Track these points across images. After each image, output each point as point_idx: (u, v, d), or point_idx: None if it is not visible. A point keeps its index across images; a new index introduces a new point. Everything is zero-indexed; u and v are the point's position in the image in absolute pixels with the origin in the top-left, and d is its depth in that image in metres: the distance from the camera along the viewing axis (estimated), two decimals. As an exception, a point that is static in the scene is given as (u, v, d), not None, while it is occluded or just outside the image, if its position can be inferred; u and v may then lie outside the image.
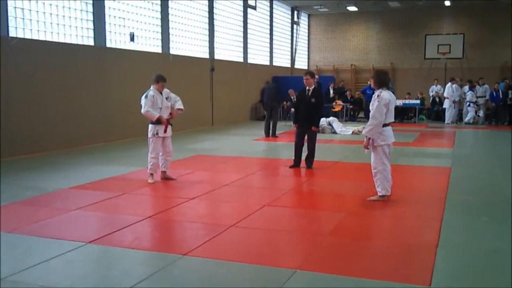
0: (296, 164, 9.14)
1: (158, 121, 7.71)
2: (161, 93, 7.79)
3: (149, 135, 7.83)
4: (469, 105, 18.92)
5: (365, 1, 22.84)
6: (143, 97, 7.74)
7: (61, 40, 11.50)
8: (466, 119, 18.82)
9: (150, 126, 7.80)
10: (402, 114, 19.96)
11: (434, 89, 21.09)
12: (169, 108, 7.91)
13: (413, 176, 8.62)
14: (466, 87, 19.25)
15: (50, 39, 11.22)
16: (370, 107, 6.51)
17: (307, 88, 8.98)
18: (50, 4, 11.18)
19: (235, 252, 4.67)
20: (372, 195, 6.70)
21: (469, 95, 18.77)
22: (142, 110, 7.74)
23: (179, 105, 7.98)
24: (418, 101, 20.24)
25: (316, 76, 21.01)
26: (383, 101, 6.33)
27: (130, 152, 11.19)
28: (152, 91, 7.73)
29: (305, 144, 9.14)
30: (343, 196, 7.04)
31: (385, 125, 6.45)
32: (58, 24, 11.42)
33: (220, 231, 5.26)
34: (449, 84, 19.20)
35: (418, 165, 9.57)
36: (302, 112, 8.99)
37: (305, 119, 8.96)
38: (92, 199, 6.65)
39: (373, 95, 6.52)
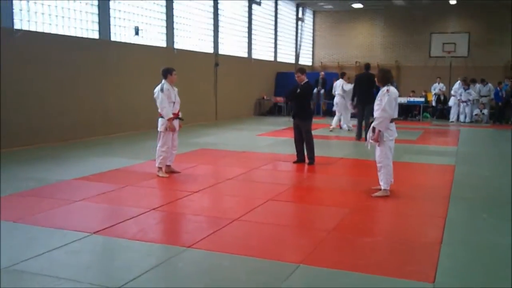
0: (300, 159, 9.14)
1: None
2: (173, 87, 7.79)
3: (161, 129, 7.73)
4: (466, 104, 18.88)
5: (370, -2, 22.78)
6: (158, 89, 7.65)
7: (66, 32, 11.50)
8: (466, 119, 18.78)
9: (162, 120, 7.70)
10: (407, 112, 19.96)
11: (436, 87, 21.05)
12: (179, 104, 7.91)
13: (417, 173, 8.60)
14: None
15: (55, 32, 11.22)
16: (377, 102, 6.55)
17: (298, 84, 9.02)
18: (56, -4, 11.19)
19: (238, 246, 4.67)
20: (375, 191, 6.70)
21: (465, 94, 18.73)
22: (159, 104, 7.63)
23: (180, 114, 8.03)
24: (422, 99, 20.20)
25: (322, 73, 20.99)
26: (393, 95, 6.46)
27: (133, 145, 11.19)
28: (166, 84, 7.70)
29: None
30: (347, 191, 7.03)
31: (391, 120, 6.51)
32: (63, 16, 11.42)
33: (223, 224, 5.26)
34: (457, 82, 19.17)
35: (422, 162, 9.54)
36: (295, 106, 9.24)
37: (296, 112, 9.12)
38: (96, 191, 6.66)
39: (380, 90, 6.56)
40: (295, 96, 9.09)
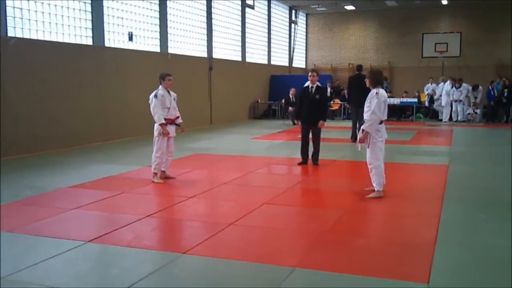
0: (304, 161, 9.25)
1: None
2: (169, 93, 7.80)
3: (155, 134, 7.77)
4: (458, 103, 18.97)
5: (362, 0, 22.86)
6: (152, 95, 7.67)
7: (60, 39, 11.51)
8: (459, 117, 18.89)
9: (157, 125, 7.73)
10: (400, 112, 20.03)
11: (429, 88, 21.14)
12: (176, 110, 7.92)
13: (410, 174, 8.66)
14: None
15: (49, 39, 11.23)
16: (366, 104, 6.61)
17: (310, 85, 9.02)
18: (49, 4, 11.19)
19: (234, 250, 4.70)
20: (369, 193, 6.75)
21: (457, 93, 18.81)
22: (151, 109, 7.67)
23: (179, 120, 8.01)
24: (415, 100, 20.29)
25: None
26: (382, 97, 6.51)
27: (129, 151, 11.20)
28: (161, 90, 7.72)
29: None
30: (341, 193, 7.07)
31: (380, 122, 6.58)
32: (56, 23, 11.43)
33: (219, 229, 5.28)
34: (447, 82, 19.22)
35: (415, 163, 9.59)
36: (306, 109, 9.04)
37: (310, 116, 9.01)
38: (92, 198, 6.67)
39: (370, 93, 6.62)
40: (313, 101, 8.93)
